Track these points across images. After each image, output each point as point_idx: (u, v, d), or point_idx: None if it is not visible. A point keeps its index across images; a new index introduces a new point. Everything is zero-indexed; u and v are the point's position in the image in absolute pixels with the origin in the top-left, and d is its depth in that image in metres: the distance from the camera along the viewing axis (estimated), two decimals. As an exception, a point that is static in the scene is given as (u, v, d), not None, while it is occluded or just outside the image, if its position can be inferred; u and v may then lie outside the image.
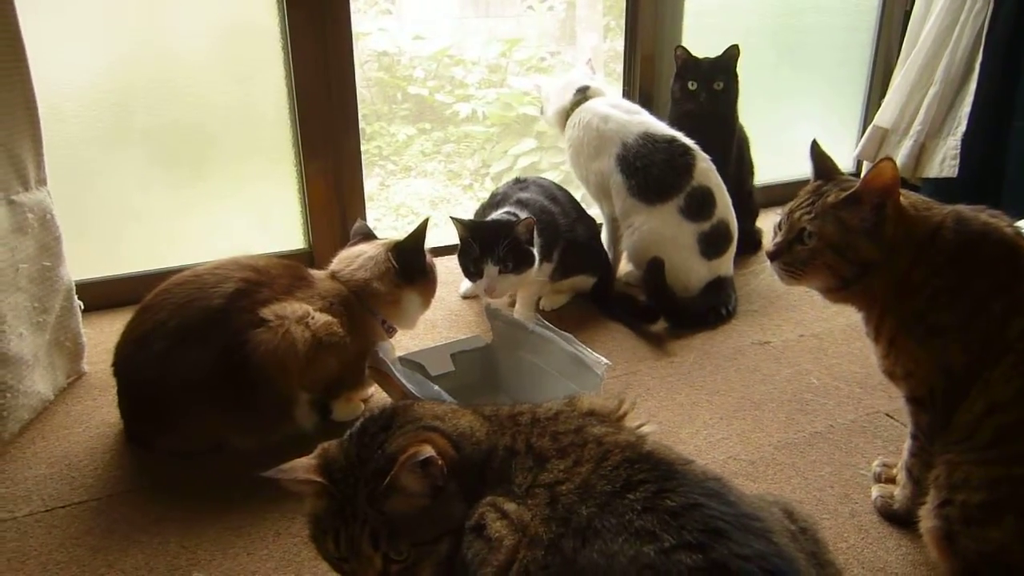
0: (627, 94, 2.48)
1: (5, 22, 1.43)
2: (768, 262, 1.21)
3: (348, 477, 0.85)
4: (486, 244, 1.67)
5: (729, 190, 2.03)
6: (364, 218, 2.18)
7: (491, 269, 1.66)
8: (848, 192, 1.13)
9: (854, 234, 1.11)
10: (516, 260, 1.67)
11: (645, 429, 0.94)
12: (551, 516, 0.78)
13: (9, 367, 1.43)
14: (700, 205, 1.94)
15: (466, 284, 2.01)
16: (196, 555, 1.17)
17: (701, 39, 2.37)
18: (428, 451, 0.82)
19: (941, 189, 2.52)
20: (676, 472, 0.80)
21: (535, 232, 1.71)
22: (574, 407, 0.95)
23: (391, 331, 1.54)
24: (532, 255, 1.69)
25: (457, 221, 1.72)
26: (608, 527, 0.74)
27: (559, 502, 0.79)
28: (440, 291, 1.69)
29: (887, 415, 1.51)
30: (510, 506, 0.81)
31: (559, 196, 1.95)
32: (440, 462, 0.83)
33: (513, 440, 0.89)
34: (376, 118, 3.86)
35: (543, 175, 2.18)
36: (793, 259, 1.16)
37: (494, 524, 0.79)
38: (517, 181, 1.95)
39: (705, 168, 1.96)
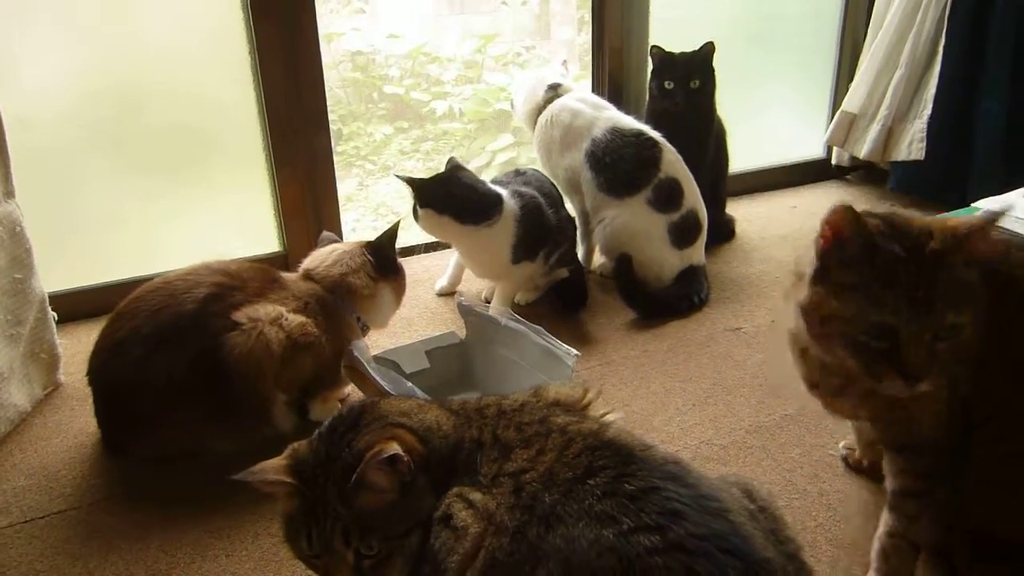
0: (596, 87, 2.50)
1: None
2: None
3: (318, 476, 0.87)
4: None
5: (706, 182, 2.05)
6: (339, 220, 2.21)
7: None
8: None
9: None
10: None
11: (609, 417, 0.96)
12: (516, 504, 0.80)
13: (-16, 380, 1.44)
14: (668, 196, 1.96)
15: (441, 282, 2.03)
16: (176, 559, 1.19)
17: (669, 30, 2.40)
18: (394, 448, 0.84)
19: (910, 171, 2.57)
20: (636, 458, 0.82)
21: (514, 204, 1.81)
22: (539, 397, 0.96)
23: (365, 329, 1.56)
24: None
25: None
26: (570, 513, 0.76)
27: (523, 490, 0.81)
28: (414, 290, 1.71)
29: (856, 395, 1.54)
30: (476, 496, 0.83)
31: (551, 192, 1.97)
32: (406, 458, 0.85)
33: (480, 432, 0.90)
34: (353, 119, 3.86)
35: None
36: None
37: (460, 514, 0.81)
38: (518, 173, 1.98)
39: (672, 160, 1.98)
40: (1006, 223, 1.35)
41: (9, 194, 1.55)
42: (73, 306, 1.88)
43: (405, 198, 3.57)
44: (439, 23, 4.28)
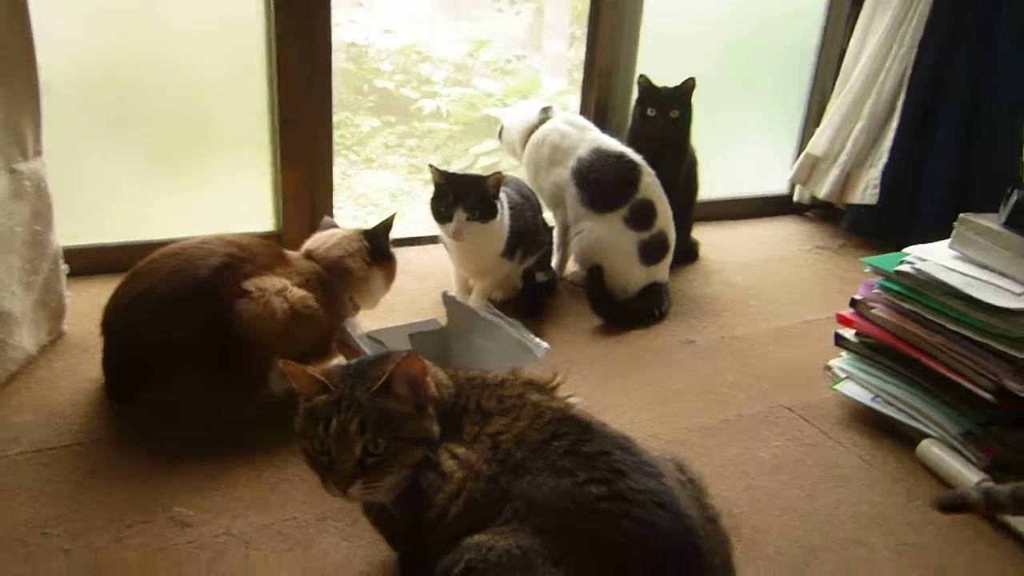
0: (584, 107, 2.67)
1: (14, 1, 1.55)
2: None
3: (348, 379, 1.02)
4: (459, 192, 1.87)
5: (674, 206, 2.23)
6: (332, 205, 2.35)
7: (460, 215, 1.85)
8: None
9: None
10: (483, 210, 1.87)
11: (572, 400, 1.13)
12: (492, 458, 0.97)
13: (1, 322, 1.56)
14: (643, 216, 2.14)
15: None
16: (175, 494, 1.33)
17: (656, 61, 2.58)
18: (421, 365, 1.00)
19: (862, 214, 2.79)
20: (593, 429, 0.99)
21: (502, 194, 1.93)
22: (517, 376, 1.14)
23: (356, 309, 1.71)
24: (497, 208, 1.89)
25: (434, 169, 1.90)
26: (537, 466, 0.93)
27: (499, 448, 0.98)
28: (400, 279, 1.86)
29: (788, 408, 1.73)
30: (460, 450, 1.00)
31: (531, 198, 2.14)
32: (427, 379, 1.01)
33: (467, 400, 1.07)
34: (341, 108, 3.94)
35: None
36: None
37: (447, 462, 0.98)
38: None
39: (649, 182, 2.16)
40: (925, 268, 1.56)
41: (37, 152, 1.67)
42: (78, 262, 2.00)
43: (384, 192, 3.68)
44: (434, 23, 4.41)
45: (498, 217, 1.91)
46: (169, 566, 1.18)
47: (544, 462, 0.93)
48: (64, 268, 1.79)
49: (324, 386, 1.03)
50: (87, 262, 2.01)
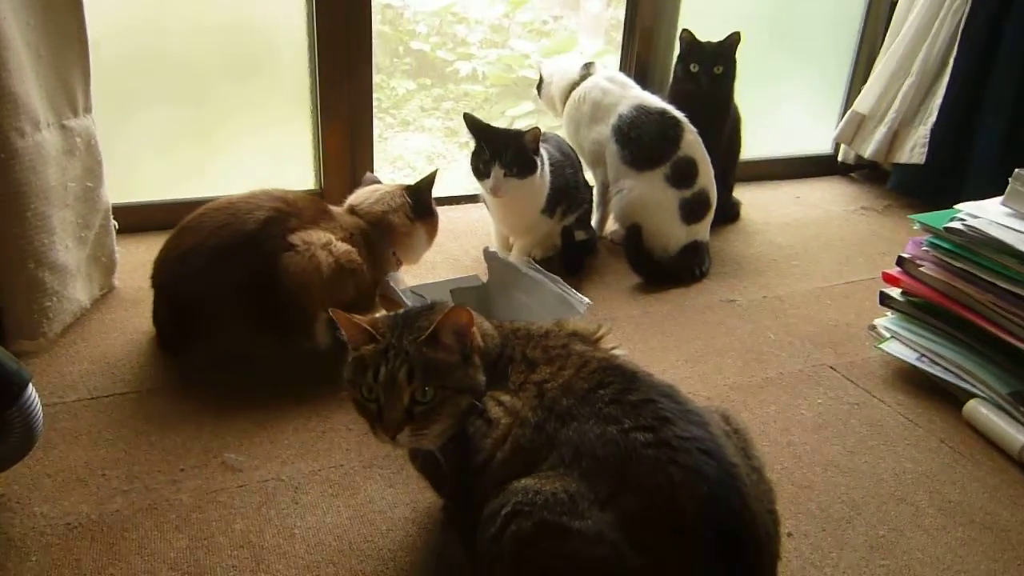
0: (624, 65, 2.64)
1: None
2: None
3: (395, 329, 1.04)
4: (496, 148, 1.84)
5: (716, 165, 2.20)
6: (372, 164, 2.36)
7: (498, 171, 1.84)
8: None
9: None
10: (521, 166, 1.84)
11: (617, 351, 1.13)
12: (538, 405, 0.98)
13: (57, 274, 1.60)
14: (684, 174, 2.12)
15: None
16: (226, 441, 1.37)
17: (699, 18, 2.53)
18: (468, 316, 1.02)
19: (909, 174, 2.72)
20: (638, 378, 1.00)
21: (542, 150, 1.91)
22: (561, 328, 1.14)
23: (398, 264, 1.73)
24: (535, 163, 1.86)
25: (469, 117, 1.87)
26: (583, 413, 0.94)
27: (545, 396, 0.99)
28: (440, 237, 1.87)
29: (831, 367, 1.72)
30: (505, 397, 1.01)
31: (571, 155, 2.13)
32: (475, 331, 1.03)
33: (512, 350, 1.08)
34: (377, 71, 3.95)
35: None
36: None
37: (493, 409, 0.99)
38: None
39: (692, 140, 2.13)
40: (978, 224, 1.52)
41: (87, 109, 1.70)
42: (126, 219, 2.04)
43: (421, 154, 3.68)
44: (470, -17, 4.36)
45: (537, 173, 1.90)
46: (221, 508, 1.22)
47: (590, 410, 0.94)
48: (114, 224, 1.83)
49: (371, 336, 1.05)
50: (134, 219, 2.06)
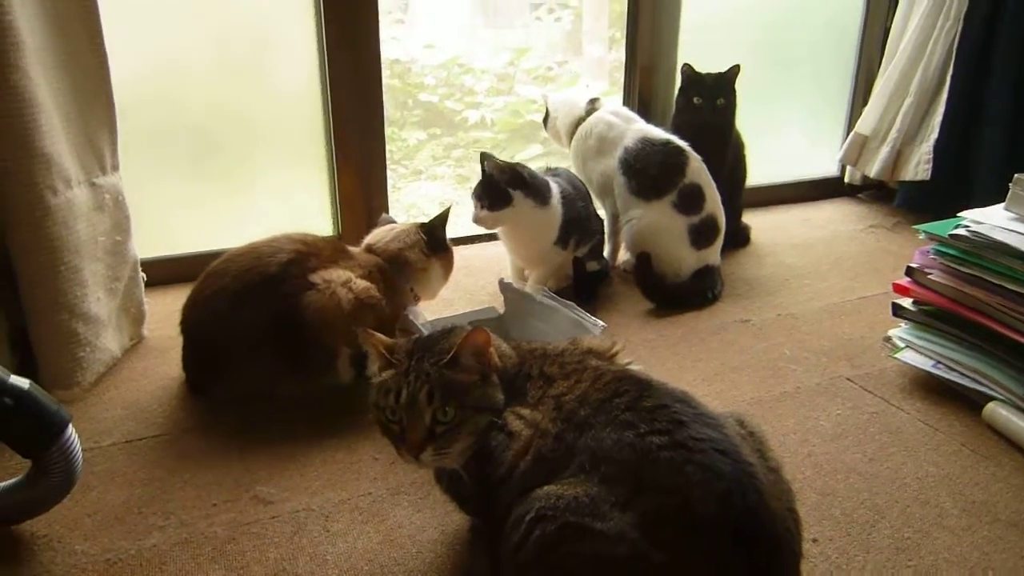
0: (627, 101, 2.71)
1: (89, 24, 1.65)
2: None
3: (415, 353, 1.09)
4: (479, 183, 2.00)
5: (722, 190, 2.25)
6: (387, 208, 2.43)
7: (475, 204, 1.99)
8: None
9: None
10: (491, 199, 1.95)
11: (633, 367, 1.17)
12: (557, 417, 1.01)
13: (90, 325, 1.66)
14: (691, 200, 2.16)
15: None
16: (257, 475, 1.40)
17: (696, 52, 2.61)
18: (486, 337, 1.06)
19: (915, 190, 2.76)
20: (652, 385, 1.03)
21: (552, 184, 2.03)
22: (577, 346, 1.18)
23: (416, 299, 1.78)
24: (507, 195, 1.95)
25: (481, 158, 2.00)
26: (600, 421, 0.97)
27: (563, 408, 1.02)
28: (456, 274, 1.93)
29: (847, 379, 1.73)
30: (525, 411, 1.04)
31: (581, 188, 2.19)
32: (492, 350, 1.07)
33: (530, 368, 1.12)
34: (388, 123, 4.07)
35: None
36: None
37: (514, 423, 1.03)
38: (550, 170, 2.20)
39: (696, 167, 2.19)
40: (981, 230, 1.55)
41: (115, 167, 1.79)
42: (152, 272, 2.11)
43: (434, 201, 3.76)
44: (474, 35, 4.47)
45: (517, 205, 1.96)
46: (254, 539, 1.25)
47: (607, 418, 0.97)
48: (142, 276, 1.90)
49: (387, 361, 1.09)
50: (161, 272, 2.13)
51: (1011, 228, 1.55)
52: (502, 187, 1.95)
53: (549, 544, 0.89)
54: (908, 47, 2.68)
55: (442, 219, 1.81)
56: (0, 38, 1.42)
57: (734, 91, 2.38)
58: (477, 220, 1.99)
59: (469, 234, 2.50)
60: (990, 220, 1.58)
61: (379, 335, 1.12)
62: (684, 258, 2.18)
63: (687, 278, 2.18)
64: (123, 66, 1.86)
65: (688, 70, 2.37)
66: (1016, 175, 1.61)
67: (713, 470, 0.90)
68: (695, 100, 2.35)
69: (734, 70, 2.35)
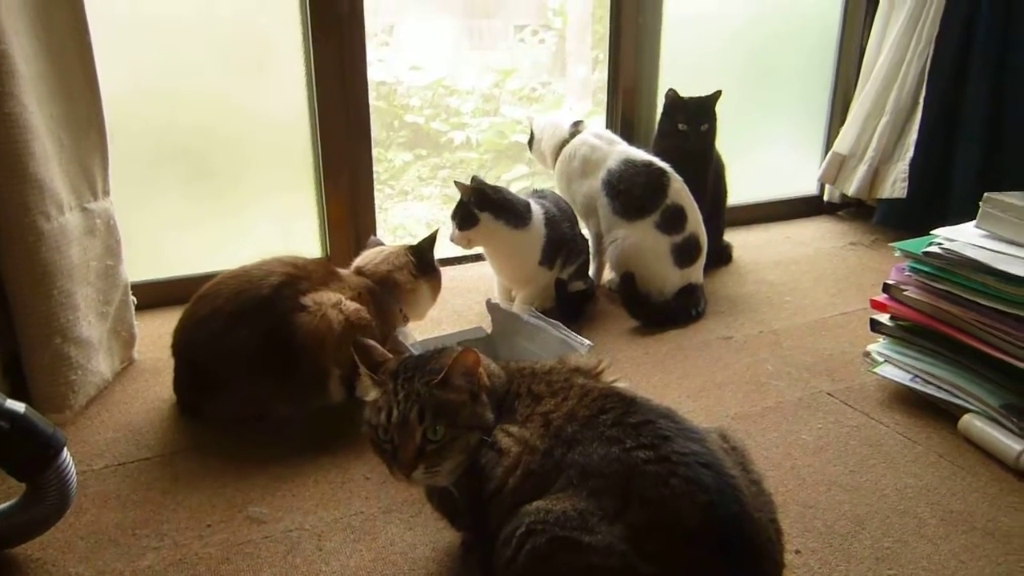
0: (610, 122, 2.77)
1: (82, 50, 1.68)
2: None
3: (405, 372, 1.12)
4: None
5: (704, 210, 2.30)
6: (376, 233, 2.46)
7: (451, 223, 2.07)
8: None
9: None
10: (461, 218, 2.03)
11: (619, 384, 1.20)
12: (545, 433, 1.04)
13: (81, 349, 1.68)
14: (674, 220, 2.21)
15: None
16: (249, 496, 1.42)
17: (678, 75, 2.67)
18: (475, 357, 1.09)
19: (893, 208, 2.82)
20: (637, 402, 1.07)
21: (535, 205, 2.10)
22: (564, 364, 1.21)
23: (405, 320, 1.80)
24: (474, 216, 2.01)
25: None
26: (587, 437, 1.00)
27: (551, 424, 1.05)
28: (444, 295, 1.96)
29: (828, 394, 1.77)
30: (514, 428, 1.07)
31: (567, 210, 2.23)
32: (481, 370, 1.10)
33: (518, 386, 1.15)
34: (375, 144, 4.11)
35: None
36: None
37: (503, 440, 1.06)
38: (536, 192, 2.25)
39: (678, 188, 2.23)
40: (954, 247, 1.60)
41: (106, 192, 1.81)
42: (142, 295, 2.13)
43: (421, 222, 3.80)
44: (459, 57, 4.53)
45: (485, 225, 2.01)
46: (248, 558, 1.26)
47: (593, 433, 1.00)
48: (132, 299, 1.92)
49: (374, 381, 1.13)
50: (151, 295, 2.15)
51: (982, 245, 1.61)
52: (470, 208, 2.02)
53: (540, 558, 0.92)
54: (883, 68, 2.76)
55: (430, 241, 1.84)
56: (-5, 67, 1.45)
57: (715, 115, 2.44)
58: (451, 239, 2.06)
59: (456, 255, 2.54)
60: (962, 237, 1.63)
61: (371, 349, 1.15)
62: (668, 277, 2.22)
63: (671, 296, 2.22)
64: (114, 92, 1.89)
65: (672, 95, 2.42)
66: (986, 194, 1.67)
67: (697, 482, 0.93)
68: (680, 126, 2.41)
69: (716, 95, 2.41)
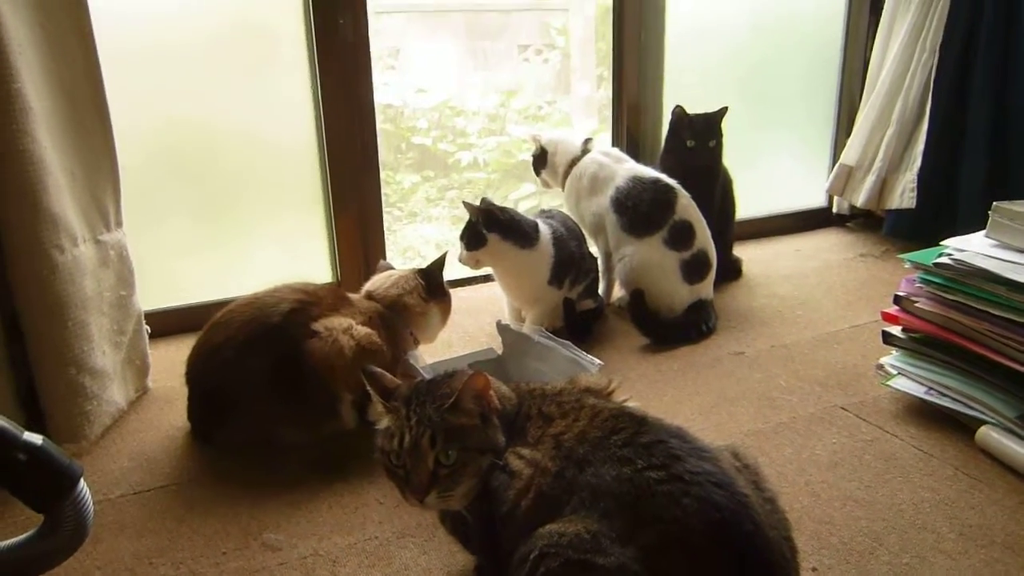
0: (615, 139, 2.78)
1: (93, 84, 1.71)
2: None
3: (417, 397, 1.12)
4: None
5: (712, 225, 2.30)
6: (384, 254, 2.48)
7: (461, 245, 2.08)
8: None
9: None
10: (469, 238, 2.05)
11: (629, 404, 1.20)
12: (556, 455, 1.04)
13: (96, 379, 1.69)
14: (682, 236, 2.21)
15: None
16: (264, 522, 1.42)
17: (681, 89, 2.69)
18: (485, 381, 1.10)
19: (903, 218, 2.81)
20: (648, 422, 1.06)
21: (543, 225, 2.12)
22: (574, 384, 1.22)
23: (416, 343, 1.81)
24: (483, 236, 2.03)
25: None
26: (598, 458, 1.00)
27: (562, 446, 1.05)
28: (455, 316, 1.97)
29: (842, 408, 1.76)
30: (525, 451, 1.07)
31: (575, 229, 2.24)
32: (492, 393, 1.11)
33: (529, 408, 1.16)
34: (383, 167, 4.15)
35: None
36: None
37: (515, 462, 1.06)
38: (544, 212, 2.26)
39: (686, 204, 2.24)
40: (964, 258, 1.60)
41: (119, 224, 1.83)
42: (156, 324, 2.15)
43: (430, 243, 3.81)
44: (464, 79, 4.56)
45: (492, 245, 2.02)
46: (265, 586, 1.27)
47: (605, 454, 1.00)
48: (146, 328, 1.94)
49: (386, 407, 1.14)
50: (165, 324, 2.17)
51: (992, 255, 1.60)
52: (478, 229, 2.03)
53: (554, 581, 0.92)
54: (887, 79, 2.76)
55: (439, 264, 1.85)
56: (9, 105, 1.48)
57: (722, 131, 2.45)
58: (460, 260, 2.07)
59: (466, 276, 2.55)
60: (972, 247, 1.63)
61: (380, 377, 1.16)
62: (677, 293, 2.22)
63: (681, 313, 2.22)
64: (126, 123, 1.91)
65: (679, 112, 2.44)
66: (995, 203, 1.66)
67: (710, 502, 0.93)
68: (689, 143, 2.42)
69: (723, 111, 2.42)
